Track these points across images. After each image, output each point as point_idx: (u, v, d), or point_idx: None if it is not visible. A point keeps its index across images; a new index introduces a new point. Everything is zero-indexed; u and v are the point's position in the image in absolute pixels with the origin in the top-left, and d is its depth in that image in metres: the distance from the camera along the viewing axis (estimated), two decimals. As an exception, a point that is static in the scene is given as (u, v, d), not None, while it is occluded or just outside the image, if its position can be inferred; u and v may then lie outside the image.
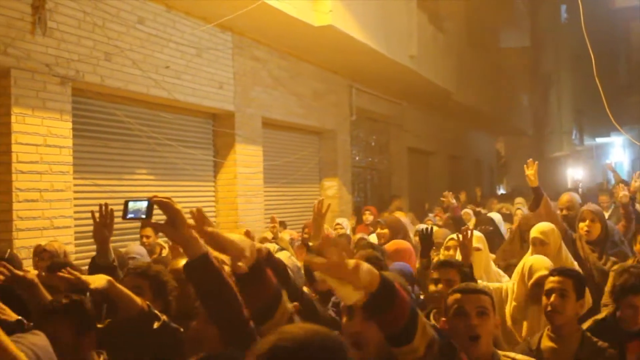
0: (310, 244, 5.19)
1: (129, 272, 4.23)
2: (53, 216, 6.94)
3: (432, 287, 4.48)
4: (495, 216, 9.43)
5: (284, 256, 4.72)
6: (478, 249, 5.57)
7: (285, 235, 8.11)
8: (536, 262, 4.95)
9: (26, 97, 6.68)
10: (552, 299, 4.03)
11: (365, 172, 16.39)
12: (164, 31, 8.62)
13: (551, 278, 4.18)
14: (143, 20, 8.27)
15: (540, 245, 5.66)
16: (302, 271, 4.90)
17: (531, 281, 4.80)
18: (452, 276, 4.42)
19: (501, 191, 29.19)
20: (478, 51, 20.73)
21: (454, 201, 9.82)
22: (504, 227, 9.17)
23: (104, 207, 4.76)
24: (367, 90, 14.84)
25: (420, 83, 15.03)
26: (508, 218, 10.45)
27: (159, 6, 8.55)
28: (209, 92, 9.51)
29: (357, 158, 15.45)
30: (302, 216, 12.20)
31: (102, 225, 4.78)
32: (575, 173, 31.50)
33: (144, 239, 7.35)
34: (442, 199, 10.64)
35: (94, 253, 7.37)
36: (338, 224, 9.96)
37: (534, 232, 5.82)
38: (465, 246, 5.26)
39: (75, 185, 7.41)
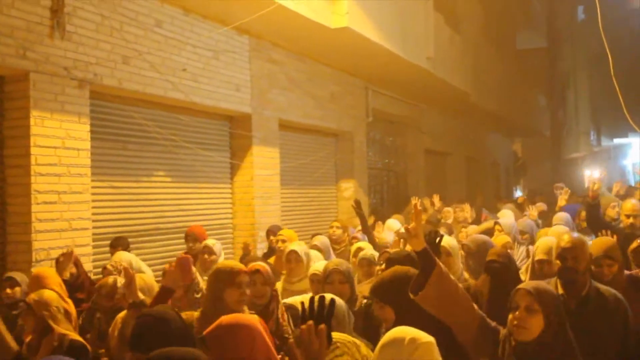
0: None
1: None
2: (71, 218, 6.97)
3: None
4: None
5: None
6: None
7: None
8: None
9: (45, 100, 6.72)
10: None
11: (382, 173, 16.37)
12: (182, 34, 8.65)
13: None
14: (161, 23, 8.30)
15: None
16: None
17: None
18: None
19: (518, 193, 29.06)
20: (495, 52, 20.68)
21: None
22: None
23: None
24: (383, 92, 14.82)
25: (436, 85, 14.98)
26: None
27: (177, 9, 8.58)
28: (226, 94, 9.53)
29: (373, 160, 15.43)
30: (319, 218, 12.21)
31: None
32: (593, 173, 31.25)
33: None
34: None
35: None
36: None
37: None
38: None
39: (93, 187, 7.45)
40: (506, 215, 10.01)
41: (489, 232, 7.98)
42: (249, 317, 3.24)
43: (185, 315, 4.25)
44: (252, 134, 10.16)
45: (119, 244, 7.39)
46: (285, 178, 11.24)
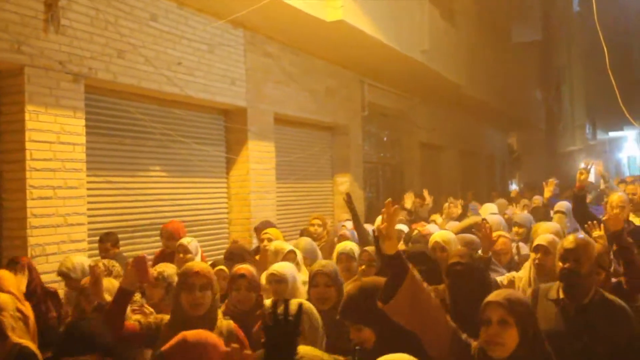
0: None
1: None
2: (67, 213, 6.96)
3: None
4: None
5: None
6: None
7: None
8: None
9: (40, 94, 6.70)
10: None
11: (377, 167, 16.37)
12: (177, 28, 8.62)
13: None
14: (155, 17, 8.27)
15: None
16: None
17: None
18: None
19: (513, 186, 29.07)
20: (490, 46, 20.66)
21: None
22: None
23: None
24: (379, 85, 14.81)
25: (432, 78, 14.97)
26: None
27: (171, 3, 8.55)
28: (221, 88, 9.51)
29: (369, 154, 15.43)
30: (314, 212, 12.18)
31: None
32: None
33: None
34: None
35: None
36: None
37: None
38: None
39: (89, 182, 7.44)
40: (489, 210, 9.88)
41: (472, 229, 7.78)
42: (213, 336, 3.03)
43: (154, 318, 4.15)
44: (248, 127, 10.14)
45: (108, 239, 7.25)
46: (281, 172, 11.23)
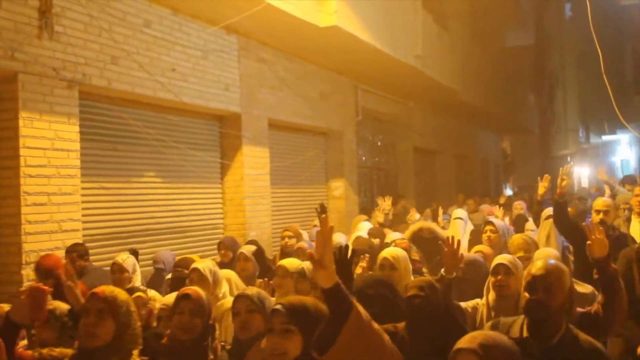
0: None
1: None
2: (61, 219, 6.94)
3: None
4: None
5: None
6: None
7: None
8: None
9: (34, 101, 6.69)
10: None
11: (372, 172, 16.37)
12: (170, 34, 8.63)
13: None
14: (149, 23, 8.28)
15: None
16: None
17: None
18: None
19: (507, 190, 29.11)
20: (483, 50, 20.69)
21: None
22: None
23: None
24: (372, 90, 14.83)
25: (425, 83, 14.99)
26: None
27: (165, 9, 8.56)
28: (216, 94, 9.51)
29: (363, 158, 15.45)
30: (309, 218, 12.20)
31: None
32: (582, 171, 31.33)
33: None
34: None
35: (102, 256, 7.52)
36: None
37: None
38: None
39: (83, 188, 7.42)
40: (456, 214, 9.53)
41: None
42: None
43: (58, 352, 3.67)
44: (242, 133, 10.14)
45: (74, 250, 6.76)
46: (276, 177, 11.22)
